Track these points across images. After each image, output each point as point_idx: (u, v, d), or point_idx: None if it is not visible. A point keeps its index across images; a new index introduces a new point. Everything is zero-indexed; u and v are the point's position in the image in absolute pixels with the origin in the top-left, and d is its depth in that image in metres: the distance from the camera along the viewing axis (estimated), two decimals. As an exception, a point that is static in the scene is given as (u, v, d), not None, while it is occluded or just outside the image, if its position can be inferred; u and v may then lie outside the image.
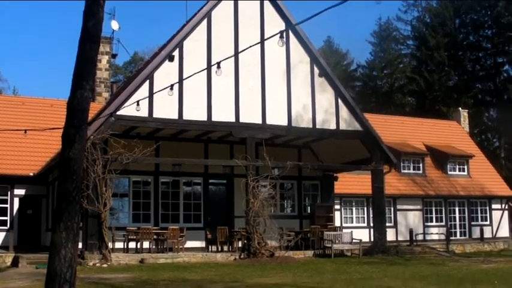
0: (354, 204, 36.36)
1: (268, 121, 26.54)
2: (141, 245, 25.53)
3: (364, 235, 31.27)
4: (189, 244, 26.81)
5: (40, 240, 32.53)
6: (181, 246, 25.93)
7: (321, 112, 27.61)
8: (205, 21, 26.09)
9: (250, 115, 26.24)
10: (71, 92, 11.96)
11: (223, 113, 25.76)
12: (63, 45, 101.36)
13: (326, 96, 27.80)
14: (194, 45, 25.75)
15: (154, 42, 72.78)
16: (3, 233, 31.49)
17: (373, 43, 72.35)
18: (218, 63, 12.32)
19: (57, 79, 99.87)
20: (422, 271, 21.03)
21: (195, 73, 17.68)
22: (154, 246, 25.95)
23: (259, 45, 25.79)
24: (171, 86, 20.21)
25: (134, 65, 71.32)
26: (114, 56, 41.42)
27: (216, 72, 14.19)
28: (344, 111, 28.05)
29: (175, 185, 28.78)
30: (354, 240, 27.84)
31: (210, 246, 27.52)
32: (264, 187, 26.39)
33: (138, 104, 21.35)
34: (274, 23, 26.63)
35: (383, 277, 18.82)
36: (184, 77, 24.48)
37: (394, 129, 41.65)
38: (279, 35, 13.24)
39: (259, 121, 26.41)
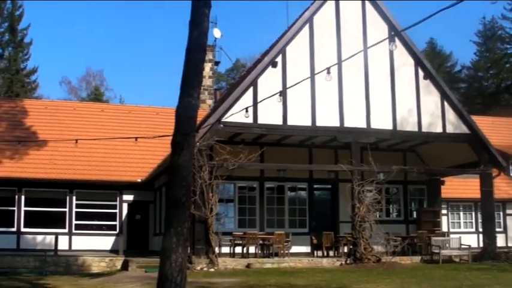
0: (461, 208, 35.54)
1: (373, 125, 26.27)
2: (247, 250, 25.73)
3: (472, 240, 30.49)
4: (294, 249, 26.81)
5: (148, 245, 33.42)
6: (286, 252, 25.98)
7: (426, 115, 27.09)
8: (307, 27, 26.11)
9: (355, 119, 26.05)
10: (179, 100, 12.22)
11: (327, 118, 25.69)
12: (168, 54, 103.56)
13: (431, 99, 27.26)
14: (297, 51, 25.79)
15: (255, 49, 73.55)
16: (113, 238, 32.56)
17: (477, 43, 70.55)
18: (328, 69, 12.32)
19: (162, 87, 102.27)
20: (535, 278, 20.31)
21: (301, 80, 17.71)
22: (260, 251, 26.10)
23: (361, 48, 25.59)
24: (280, 93, 20.34)
25: (236, 72, 72.13)
26: (217, 63, 42.08)
27: (326, 77, 14.12)
28: (450, 114, 27.42)
29: (280, 191, 28.90)
30: (462, 246, 27.17)
31: (315, 252, 27.46)
32: (369, 192, 26.12)
33: (247, 111, 21.57)
34: (377, 26, 26.41)
35: (494, 284, 18.24)
36: (287, 83, 24.68)
37: (501, 131, 40.47)
38: (385, 38, 13.12)
39: (363, 125, 26.18)
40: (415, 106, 27.02)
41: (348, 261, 24.76)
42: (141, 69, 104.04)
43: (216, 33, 37.53)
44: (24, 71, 63.71)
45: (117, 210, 33.34)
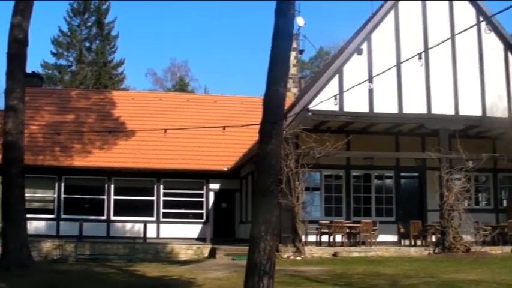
0: (554, 196, 34.39)
1: (461, 111, 25.66)
2: (334, 238, 25.65)
3: None
4: (381, 238, 26.52)
5: (234, 233, 33.72)
6: (373, 240, 25.78)
7: (517, 101, 26.31)
8: (392, 12, 25.71)
9: (443, 106, 25.51)
10: (266, 89, 12.21)
11: (414, 105, 25.26)
12: (252, 43, 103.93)
13: (523, 84, 26.45)
14: (382, 37, 25.45)
15: (339, 37, 72.99)
16: (200, 226, 33.06)
17: None
18: (419, 54, 12.09)
19: (246, 77, 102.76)
20: None
21: (391, 67, 17.51)
22: (346, 240, 25.98)
23: (448, 32, 25.05)
24: (369, 80, 20.12)
25: (320, 60, 71.72)
26: (301, 51, 41.95)
27: (417, 63, 13.88)
28: (542, 99, 26.52)
29: (367, 179, 28.61)
30: (555, 235, 26.34)
31: (402, 241, 27.12)
32: (457, 180, 25.57)
33: (335, 98, 21.45)
34: (464, 9, 25.73)
35: None
36: (373, 69, 24.39)
37: None
38: (476, 24, 12.79)
39: (451, 112, 25.60)
40: (505, 92, 26.24)
41: (437, 251, 24.35)
42: (226, 58, 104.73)
43: (300, 21, 37.30)
44: (111, 64, 65.12)
45: (203, 199, 33.79)
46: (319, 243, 25.59)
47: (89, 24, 64.41)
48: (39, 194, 33.26)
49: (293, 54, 38.80)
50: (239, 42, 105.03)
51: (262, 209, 11.74)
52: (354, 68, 24.78)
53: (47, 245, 27.72)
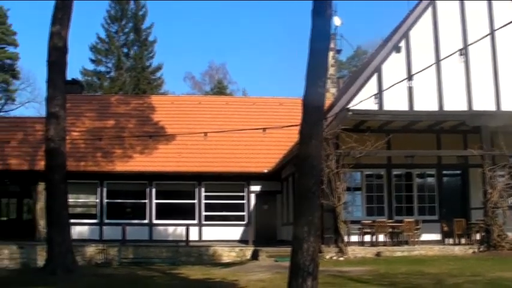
0: None
1: (503, 107, 25.28)
2: (377, 238, 25.52)
3: None
4: (424, 237, 26.24)
5: (276, 234, 33.69)
6: (416, 239, 25.56)
7: (561, 96, 25.81)
8: (430, 9, 25.43)
9: (484, 102, 25.11)
10: (305, 89, 12.19)
11: (455, 102, 24.93)
12: (288, 44, 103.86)
13: None
14: (420, 34, 25.21)
15: (376, 35, 72.49)
16: (242, 228, 33.15)
17: None
18: (460, 50, 12.01)
19: (284, 78, 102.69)
20: None
21: (431, 64, 17.39)
22: (389, 240, 25.81)
23: (487, 27, 24.74)
24: (409, 78, 19.97)
25: (358, 60, 71.33)
26: (338, 51, 41.73)
27: (459, 59, 13.82)
28: None
29: (408, 177, 28.32)
30: None
31: (446, 239, 26.84)
32: (501, 177, 25.24)
33: (376, 97, 21.38)
34: (503, 3, 25.37)
35: None
36: (412, 67, 24.20)
37: None
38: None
39: (493, 108, 25.23)
40: (547, 86, 25.79)
41: (481, 249, 24.05)
42: (263, 60, 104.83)
43: (337, 21, 37.16)
44: (150, 69, 65.64)
45: (245, 201, 33.85)
46: (361, 243, 25.44)
47: (127, 30, 64.99)
48: (82, 199, 33.65)
49: (331, 54, 38.62)
50: (276, 44, 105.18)
51: (304, 210, 11.72)
52: (393, 66, 24.61)
53: (90, 250, 28.05)
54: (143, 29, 64.82)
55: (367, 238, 25.72)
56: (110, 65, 64.89)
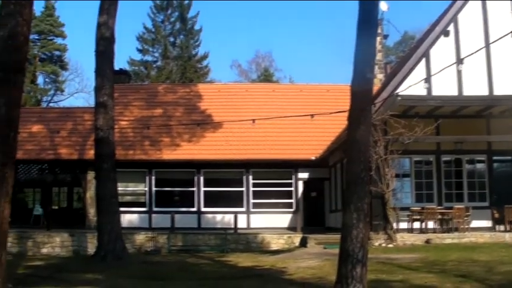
0: None
1: (555, 91, 24.77)
2: (426, 225, 25.26)
3: None
4: (474, 224, 25.84)
5: (324, 222, 33.60)
6: (466, 226, 25.23)
7: None
8: (479, -8, 25.09)
9: (535, 86, 24.69)
10: (353, 75, 12.11)
11: (505, 86, 24.41)
12: (335, 31, 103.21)
13: None
14: (469, 18, 24.76)
15: (423, 20, 71.54)
16: (290, 215, 33.14)
17: None
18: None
19: (330, 65, 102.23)
20: None
21: (481, 47, 17.03)
22: (438, 226, 25.51)
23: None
24: (460, 61, 19.69)
25: (405, 45, 70.52)
26: (385, 37, 41.42)
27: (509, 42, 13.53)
28: None
29: (458, 164, 27.88)
30: None
31: (497, 226, 26.42)
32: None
33: (425, 82, 21.13)
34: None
35: None
36: (461, 51, 23.83)
37: None
38: None
39: (545, 91, 24.77)
40: None
41: (533, 236, 23.69)
42: (309, 47, 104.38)
43: (383, 6, 36.79)
44: (196, 57, 66.03)
45: (292, 188, 33.80)
46: (410, 230, 25.20)
47: (173, 19, 65.50)
48: (131, 187, 33.97)
49: (378, 39, 38.31)
50: (322, 30, 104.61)
51: (353, 196, 11.67)
52: (441, 51, 24.26)
53: (140, 237, 28.37)
54: (189, 18, 65.22)
55: (416, 225, 25.45)
56: (156, 54, 65.52)
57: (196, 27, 65.75)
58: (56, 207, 43.11)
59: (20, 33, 12.51)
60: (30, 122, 34.68)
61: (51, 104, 68.28)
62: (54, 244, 28.04)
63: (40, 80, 69.64)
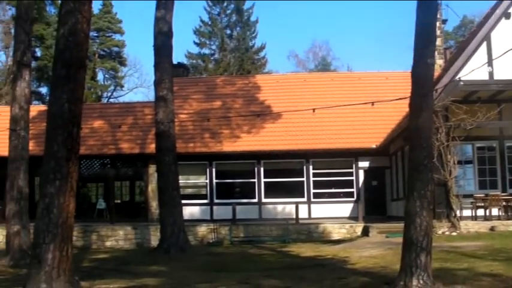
0: None
1: None
2: (490, 212, 24.81)
3: None
4: (541, 210, 25.34)
5: (386, 211, 33.32)
6: (532, 213, 24.75)
7: None
8: (541, -29, 24.46)
9: None
10: (413, 60, 11.96)
11: None
12: (392, 17, 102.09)
13: None
14: (532, -2, 24.30)
15: (482, 3, 70.08)
16: (351, 205, 32.95)
17: None
18: None
19: (388, 52, 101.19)
20: None
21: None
22: (503, 213, 25.00)
23: None
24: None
25: (464, 29, 69.26)
26: (444, 21, 40.73)
27: None
28: None
29: (522, 149, 27.34)
30: None
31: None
32: None
33: (488, 65, 20.75)
34: None
35: None
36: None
37: None
38: None
39: None
40: None
41: None
42: (366, 35, 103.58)
43: (442, -10, 36.23)
44: (253, 49, 66.14)
45: (353, 178, 33.59)
46: (474, 218, 24.79)
47: (229, 12, 65.75)
48: (192, 180, 34.22)
49: (437, 24, 37.72)
50: (379, 18, 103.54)
51: (416, 184, 11.54)
52: (503, 34, 23.83)
53: (202, 229, 28.60)
54: (245, 10, 65.37)
55: (480, 212, 25.00)
56: (213, 47, 65.94)
57: (252, 18, 65.95)
58: (119, 201, 43.87)
59: (80, 31, 12.68)
60: (91, 117, 35.25)
61: (111, 100, 69.53)
62: (118, 237, 28.51)
63: (100, 76, 71.01)
